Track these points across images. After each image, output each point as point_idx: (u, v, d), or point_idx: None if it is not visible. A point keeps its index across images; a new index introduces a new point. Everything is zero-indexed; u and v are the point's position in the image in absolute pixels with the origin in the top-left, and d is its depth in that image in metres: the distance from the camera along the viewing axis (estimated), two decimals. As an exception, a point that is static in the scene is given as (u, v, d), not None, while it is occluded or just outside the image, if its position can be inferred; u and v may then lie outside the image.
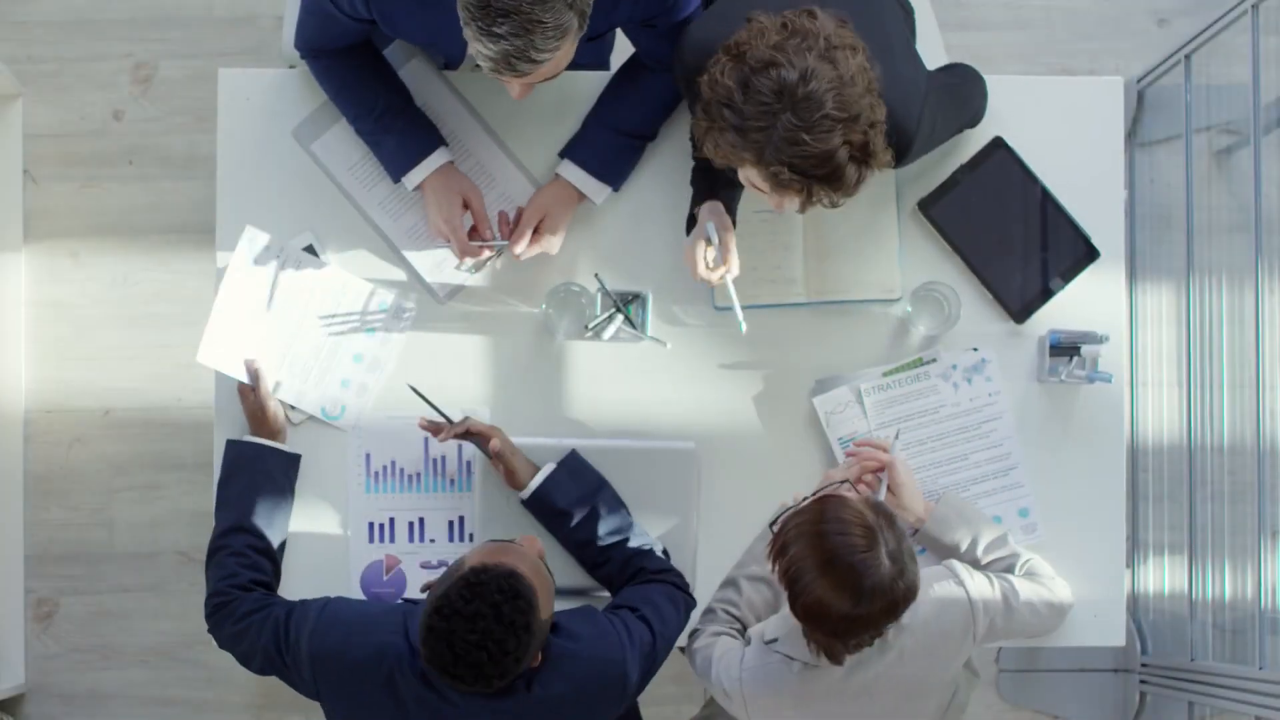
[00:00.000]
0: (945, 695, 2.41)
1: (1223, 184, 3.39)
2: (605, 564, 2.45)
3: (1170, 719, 3.23)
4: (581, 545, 2.46)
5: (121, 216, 3.39)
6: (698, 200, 2.49)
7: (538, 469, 2.47)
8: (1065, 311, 2.60)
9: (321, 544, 2.56)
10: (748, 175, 2.18)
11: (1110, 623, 2.58)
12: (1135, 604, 3.25)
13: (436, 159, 2.51)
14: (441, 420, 2.47)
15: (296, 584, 2.52)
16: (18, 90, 3.37)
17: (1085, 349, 2.54)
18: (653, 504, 2.53)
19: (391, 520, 2.57)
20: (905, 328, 2.59)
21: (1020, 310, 2.60)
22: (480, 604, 2.07)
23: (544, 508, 2.46)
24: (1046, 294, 2.60)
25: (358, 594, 2.55)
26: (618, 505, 2.48)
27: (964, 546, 2.47)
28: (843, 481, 2.29)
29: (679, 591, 2.42)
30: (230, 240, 2.56)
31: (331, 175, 2.60)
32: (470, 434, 2.45)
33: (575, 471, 2.48)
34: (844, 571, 2.06)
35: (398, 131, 2.50)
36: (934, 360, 2.58)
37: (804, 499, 2.21)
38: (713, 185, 2.47)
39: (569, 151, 2.56)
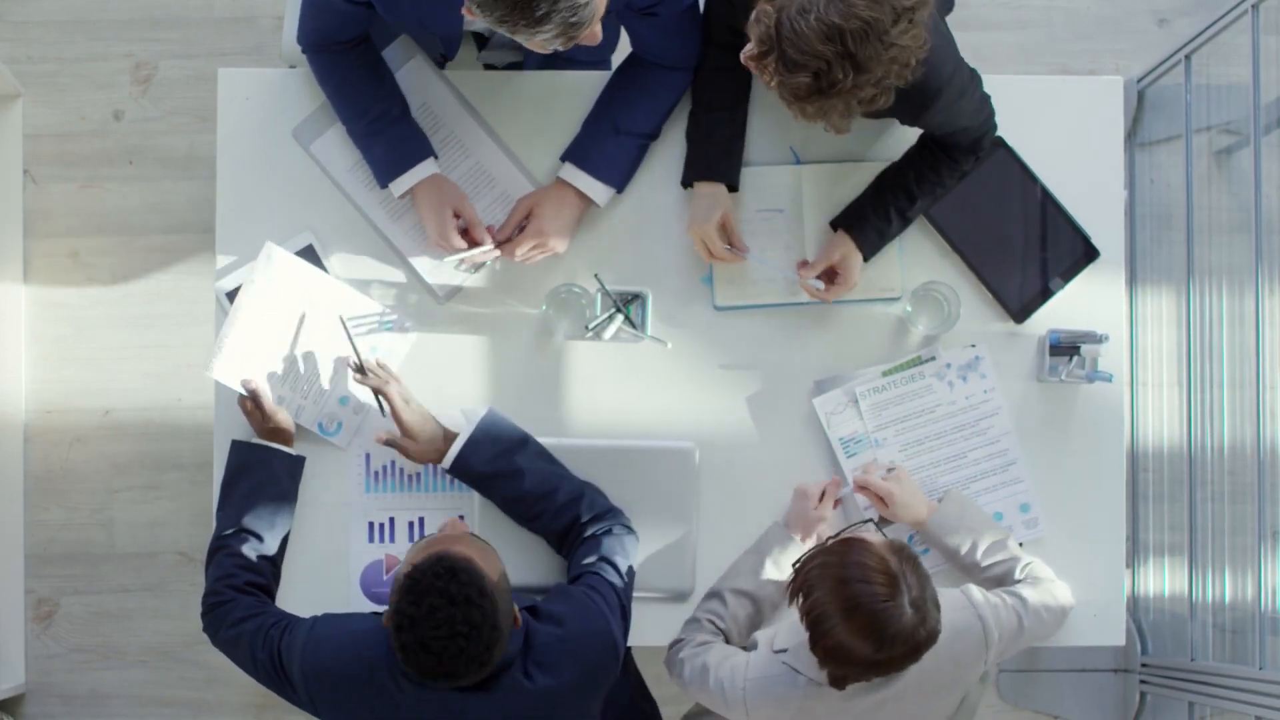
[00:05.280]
0: (953, 706, 2.40)
1: (1223, 184, 3.38)
2: (539, 517, 2.45)
3: (1170, 719, 3.23)
4: (511, 502, 2.46)
5: (121, 216, 3.39)
6: (697, 169, 2.49)
7: (455, 435, 2.47)
8: (1065, 311, 2.60)
9: (322, 543, 2.56)
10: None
11: (1110, 623, 2.58)
12: (1135, 604, 3.25)
13: (423, 170, 2.50)
14: (359, 360, 2.48)
15: (297, 584, 2.52)
16: (18, 90, 3.37)
17: (1085, 349, 2.54)
18: (653, 504, 2.52)
19: (391, 520, 2.57)
20: (905, 327, 2.59)
21: (1020, 310, 2.60)
22: (430, 598, 2.08)
23: (467, 473, 2.46)
24: (1046, 294, 2.60)
25: (358, 593, 2.56)
26: (542, 459, 2.48)
27: (964, 550, 2.47)
28: (866, 522, 2.27)
29: (626, 532, 2.44)
30: (230, 240, 2.57)
31: (331, 176, 2.60)
32: (379, 392, 2.47)
33: (493, 433, 2.47)
34: (866, 619, 2.07)
35: (388, 138, 2.49)
36: (931, 359, 2.57)
37: (828, 539, 2.21)
38: (710, 152, 2.47)
39: (569, 154, 2.55)
